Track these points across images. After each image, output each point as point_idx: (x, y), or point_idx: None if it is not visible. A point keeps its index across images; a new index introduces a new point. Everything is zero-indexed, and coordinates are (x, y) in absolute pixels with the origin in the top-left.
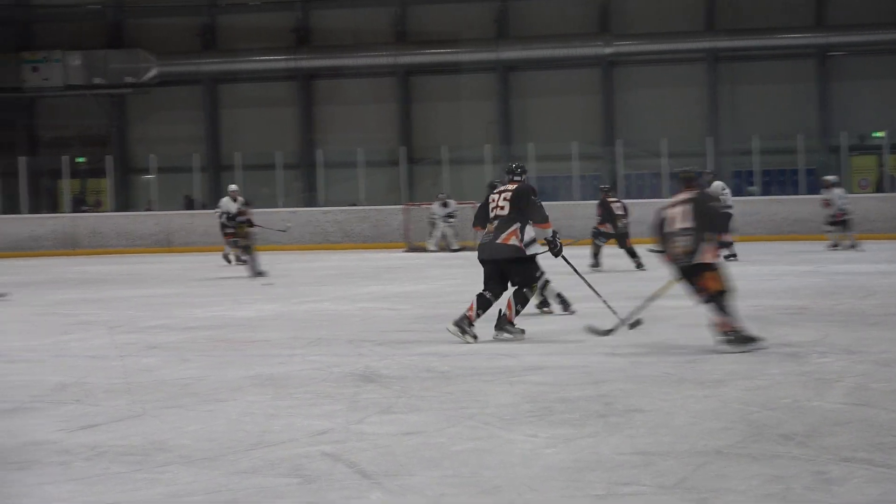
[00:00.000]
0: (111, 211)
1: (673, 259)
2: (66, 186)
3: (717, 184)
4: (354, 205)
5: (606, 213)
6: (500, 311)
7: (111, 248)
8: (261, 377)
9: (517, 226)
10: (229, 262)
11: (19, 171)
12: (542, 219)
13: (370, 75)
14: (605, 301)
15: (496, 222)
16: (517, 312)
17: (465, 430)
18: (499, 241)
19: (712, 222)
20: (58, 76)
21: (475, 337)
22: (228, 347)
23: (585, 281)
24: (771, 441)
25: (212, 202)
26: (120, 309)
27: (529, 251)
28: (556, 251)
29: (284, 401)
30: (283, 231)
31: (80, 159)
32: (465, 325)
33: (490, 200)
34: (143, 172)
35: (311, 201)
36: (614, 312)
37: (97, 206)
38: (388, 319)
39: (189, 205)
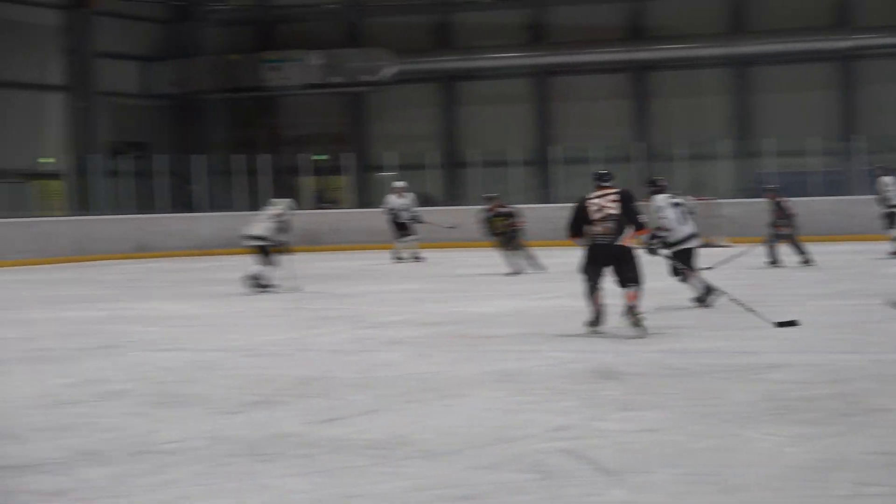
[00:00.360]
0: (350, 208)
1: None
2: (306, 184)
3: (887, 179)
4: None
5: (781, 214)
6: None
7: (351, 244)
8: (499, 373)
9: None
10: (401, 259)
11: (260, 169)
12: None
13: (605, 71)
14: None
15: (609, 224)
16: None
17: (704, 427)
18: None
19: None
20: (298, 75)
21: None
22: (467, 343)
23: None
24: None
25: (449, 199)
26: (361, 304)
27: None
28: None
29: (522, 396)
30: (452, 228)
31: (320, 157)
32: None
33: (589, 207)
34: (381, 170)
35: (545, 198)
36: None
37: (336, 203)
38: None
39: (426, 202)
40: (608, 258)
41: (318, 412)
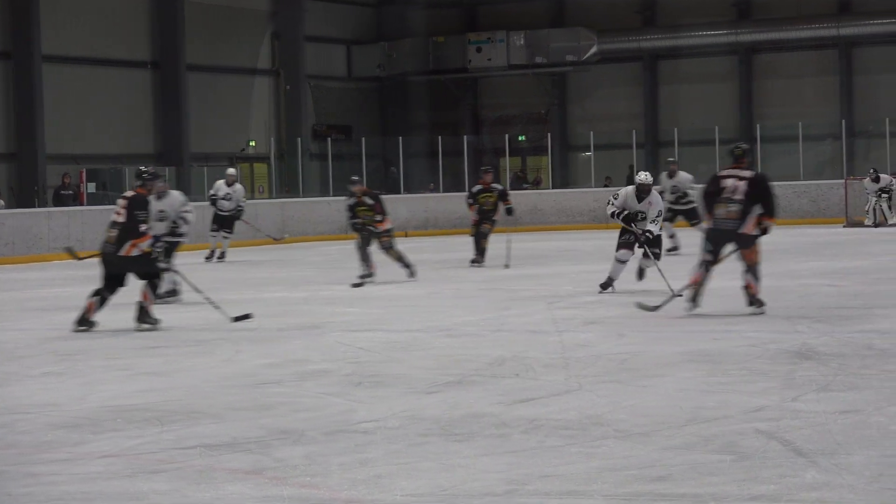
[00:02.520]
0: (550, 188)
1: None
2: (508, 164)
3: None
4: (794, 180)
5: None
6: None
7: (550, 224)
8: (695, 353)
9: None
10: (210, 259)
11: (464, 149)
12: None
13: (811, 48)
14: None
15: (733, 207)
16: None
17: None
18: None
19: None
20: (501, 56)
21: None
22: (664, 323)
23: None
24: None
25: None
26: (558, 284)
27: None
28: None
29: (719, 377)
30: (280, 240)
31: (522, 137)
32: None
33: (721, 185)
34: (583, 150)
35: None
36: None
37: (537, 184)
38: (828, 295)
39: (630, 180)
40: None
41: (513, 392)
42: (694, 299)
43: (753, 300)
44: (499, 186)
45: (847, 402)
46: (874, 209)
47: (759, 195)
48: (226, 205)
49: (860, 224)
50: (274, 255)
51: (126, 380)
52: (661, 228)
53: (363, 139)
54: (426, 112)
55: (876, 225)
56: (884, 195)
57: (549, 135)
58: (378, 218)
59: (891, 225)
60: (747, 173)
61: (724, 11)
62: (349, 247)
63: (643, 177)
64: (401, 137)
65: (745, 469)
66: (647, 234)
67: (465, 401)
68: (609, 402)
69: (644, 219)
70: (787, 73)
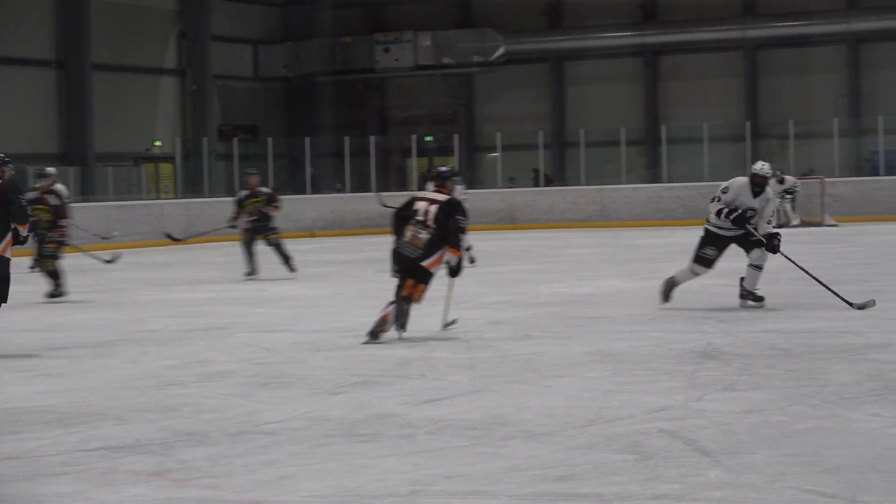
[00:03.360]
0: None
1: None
2: (415, 165)
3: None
4: (698, 181)
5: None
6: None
7: None
8: (600, 353)
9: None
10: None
11: (371, 150)
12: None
13: (716, 50)
14: None
15: (422, 234)
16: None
17: (806, 408)
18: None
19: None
20: (408, 57)
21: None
22: (569, 323)
23: None
24: None
25: (557, 179)
26: (464, 286)
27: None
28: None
29: (623, 377)
30: (109, 262)
31: (429, 138)
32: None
33: (414, 207)
34: (490, 150)
35: (654, 177)
36: None
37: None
38: (732, 296)
39: (536, 181)
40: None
41: (418, 393)
42: (375, 334)
43: (381, 328)
44: (266, 190)
45: (750, 402)
46: (778, 210)
47: (446, 223)
48: None
49: None
50: (179, 256)
51: (26, 381)
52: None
53: (269, 139)
54: (333, 112)
55: (780, 226)
56: (787, 196)
57: (456, 135)
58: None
59: (794, 226)
60: (442, 198)
61: (630, 13)
62: (261, 247)
63: (760, 167)
64: (308, 138)
65: (649, 468)
66: (775, 238)
67: (371, 401)
68: (514, 402)
69: (753, 216)
70: (693, 74)
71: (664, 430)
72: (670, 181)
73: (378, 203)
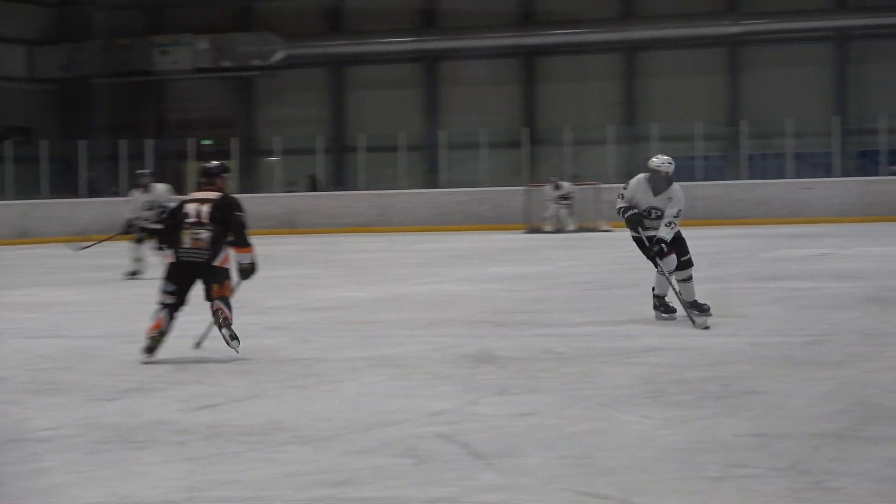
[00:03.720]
0: (236, 192)
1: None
2: (192, 168)
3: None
4: (476, 186)
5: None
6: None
7: None
8: (378, 358)
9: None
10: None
11: (146, 153)
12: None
13: (495, 56)
14: None
15: (202, 234)
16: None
17: (580, 411)
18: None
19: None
20: (187, 59)
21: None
22: (347, 328)
23: None
24: (890, 424)
25: (336, 184)
26: (242, 290)
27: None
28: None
29: (400, 381)
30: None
31: (206, 141)
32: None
33: (184, 211)
34: (268, 154)
35: (433, 182)
36: None
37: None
38: (507, 300)
39: (313, 186)
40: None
41: (194, 399)
42: (152, 349)
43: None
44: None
45: (525, 405)
46: (555, 215)
47: (226, 220)
48: None
49: (540, 230)
50: None
51: None
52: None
53: (45, 142)
54: (109, 115)
55: (555, 231)
56: (563, 202)
57: (234, 139)
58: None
59: (569, 231)
60: (214, 195)
61: (410, 19)
62: (31, 251)
63: (658, 161)
64: (83, 140)
65: (426, 472)
66: (660, 244)
67: (145, 408)
68: (291, 407)
69: (658, 218)
70: (471, 80)
71: (440, 433)
72: (449, 186)
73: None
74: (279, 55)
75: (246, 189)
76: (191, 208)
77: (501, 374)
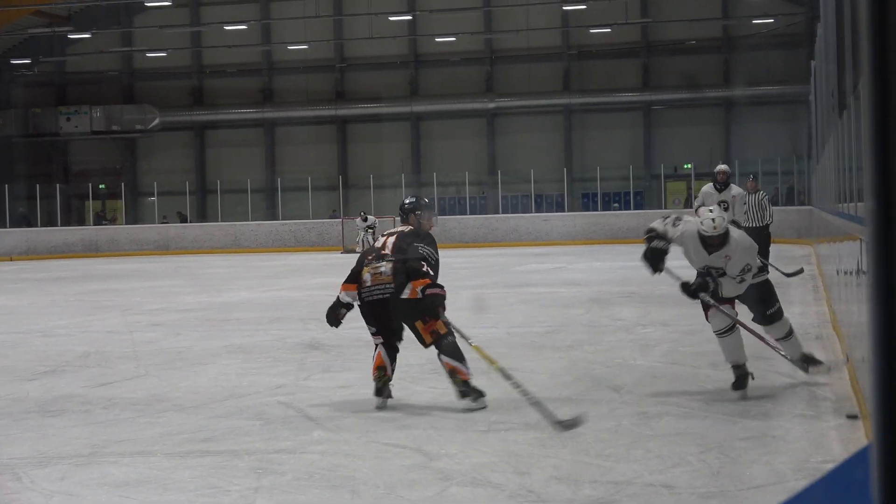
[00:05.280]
0: (124, 224)
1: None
2: (91, 206)
3: None
4: (305, 219)
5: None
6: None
7: (124, 251)
8: (233, 346)
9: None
10: None
11: (56, 194)
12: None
13: (318, 123)
14: None
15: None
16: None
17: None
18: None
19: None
20: (85, 124)
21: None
22: (210, 324)
23: None
24: (607, 390)
25: (199, 217)
26: (130, 296)
27: None
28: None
29: (251, 364)
30: None
31: (102, 186)
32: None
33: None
34: (148, 195)
35: (272, 216)
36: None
37: (113, 221)
38: (329, 303)
39: (182, 219)
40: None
41: (95, 378)
42: (381, 391)
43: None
44: None
45: (343, 380)
46: (363, 240)
47: (407, 251)
48: None
49: (353, 251)
50: None
51: None
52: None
53: None
54: (27, 165)
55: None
56: (370, 230)
57: (123, 184)
58: None
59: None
60: (403, 228)
61: (253, 96)
62: None
63: (710, 219)
64: (7, 184)
65: (271, 430)
66: (706, 279)
67: (58, 385)
68: (169, 384)
69: (722, 276)
70: (300, 140)
71: (281, 402)
72: (284, 219)
73: None
74: (155, 122)
75: (130, 221)
76: (379, 243)
77: (326, 357)
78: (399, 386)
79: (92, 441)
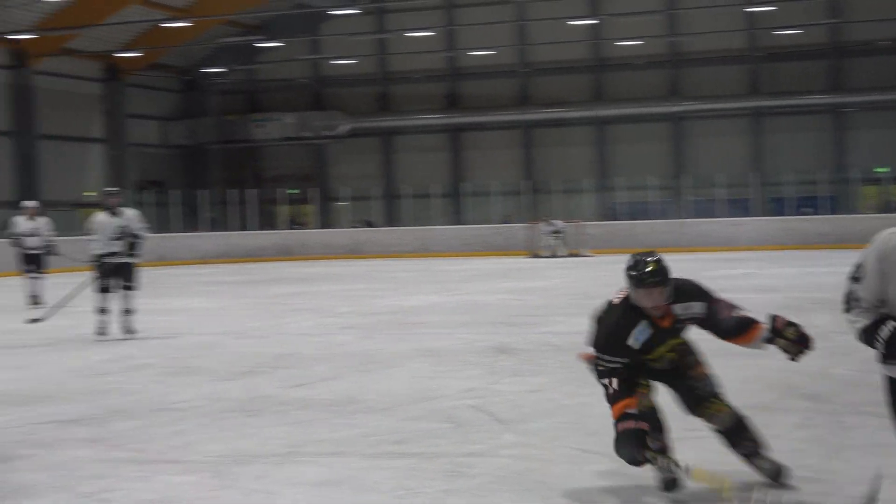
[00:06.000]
0: (315, 228)
1: None
2: (282, 211)
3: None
4: (490, 223)
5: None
6: None
7: (315, 255)
8: (424, 349)
9: None
10: (37, 303)
11: (248, 200)
12: None
13: (502, 128)
14: None
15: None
16: None
17: (573, 388)
18: None
19: None
20: (276, 131)
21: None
22: (400, 327)
23: None
24: (802, 398)
25: (387, 222)
26: (322, 299)
27: None
28: None
29: (441, 367)
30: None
31: (293, 190)
32: None
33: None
34: (338, 200)
35: (457, 220)
36: None
37: (304, 225)
38: (517, 307)
39: (369, 224)
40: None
41: (290, 379)
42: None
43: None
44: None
45: (533, 384)
46: (549, 244)
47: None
48: (32, 241)
49: (539, 256)
50: None
51: None
52: None
53: (175, 191)
54: (222, 172)
55: (550, 256)
56: (555, 234)
57: (314, 189)
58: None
59: (561, 256)
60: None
61: (439, 101)
62: (166, 271)
63: None
64: (202, 191)
65: (462, 433)
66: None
67: (255, 386)
68: (361, 386)
69: None
70: (486, 146)
71: (471, 405)
72: (471, 223)
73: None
74: (344, 127)
75: (320, 225)
76: None
77: (515, 361)
78: (587, 390)
79: (288, 441)
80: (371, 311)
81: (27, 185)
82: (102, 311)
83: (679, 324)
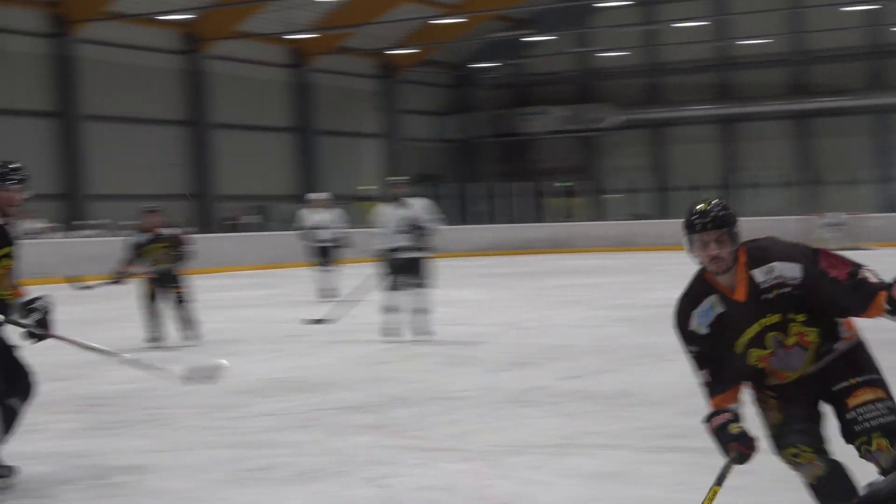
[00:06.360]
0: (583, 220)
1: None
2: (553, 203)
3: None
4: (764, 215)
5: None
6: None
7: (584, 247)
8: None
9: None
10: (328, 296)
11: (518, 193)
12: None
13: (776, 118)
14: None
15: None
16: None
17: None
18: None
19: None
20: (545, 124)
21: None
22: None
23: None
24: None
25: (658, 215)
26: (593, 291)
27: None
28: None
29: None
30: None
31: (564, 183)
32: None
33: None
34: (608, 192)
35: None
36: None
37: (572, 218)
38: None
39: (640, 216)
40: None
41: (564, 371)
42: None
43: None
44: (171, 231)
45: None
46: (823, 238)
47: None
48: (323, 234)
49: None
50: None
51: (277, 360)
52: None
53: (450, 184)
54: (492, 165)
55: (842, 249)
56: (831, 227)
57: (585, 181)
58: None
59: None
60: None
61: (710, 91)
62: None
63: None
64: (472, 183)
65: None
66: None
67: (529, 377)
68: (635, 378)
69: None
70: (757, 136)
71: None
72: (741, 215)
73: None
74: (613, 119)
75: (591, 217)
76: None
77: None
78: None
79: (563, 432)
80: (644, 304)
81: (307, 179)
82: (390, 309)
83: (765, 296)
